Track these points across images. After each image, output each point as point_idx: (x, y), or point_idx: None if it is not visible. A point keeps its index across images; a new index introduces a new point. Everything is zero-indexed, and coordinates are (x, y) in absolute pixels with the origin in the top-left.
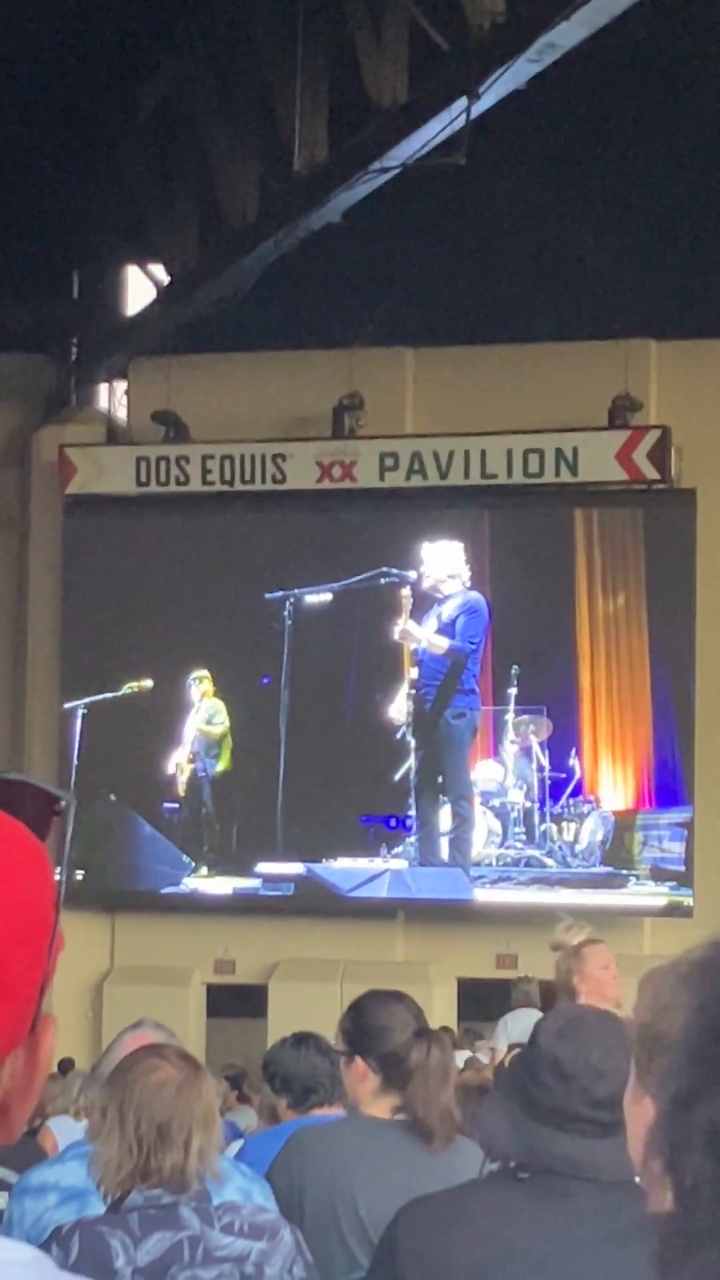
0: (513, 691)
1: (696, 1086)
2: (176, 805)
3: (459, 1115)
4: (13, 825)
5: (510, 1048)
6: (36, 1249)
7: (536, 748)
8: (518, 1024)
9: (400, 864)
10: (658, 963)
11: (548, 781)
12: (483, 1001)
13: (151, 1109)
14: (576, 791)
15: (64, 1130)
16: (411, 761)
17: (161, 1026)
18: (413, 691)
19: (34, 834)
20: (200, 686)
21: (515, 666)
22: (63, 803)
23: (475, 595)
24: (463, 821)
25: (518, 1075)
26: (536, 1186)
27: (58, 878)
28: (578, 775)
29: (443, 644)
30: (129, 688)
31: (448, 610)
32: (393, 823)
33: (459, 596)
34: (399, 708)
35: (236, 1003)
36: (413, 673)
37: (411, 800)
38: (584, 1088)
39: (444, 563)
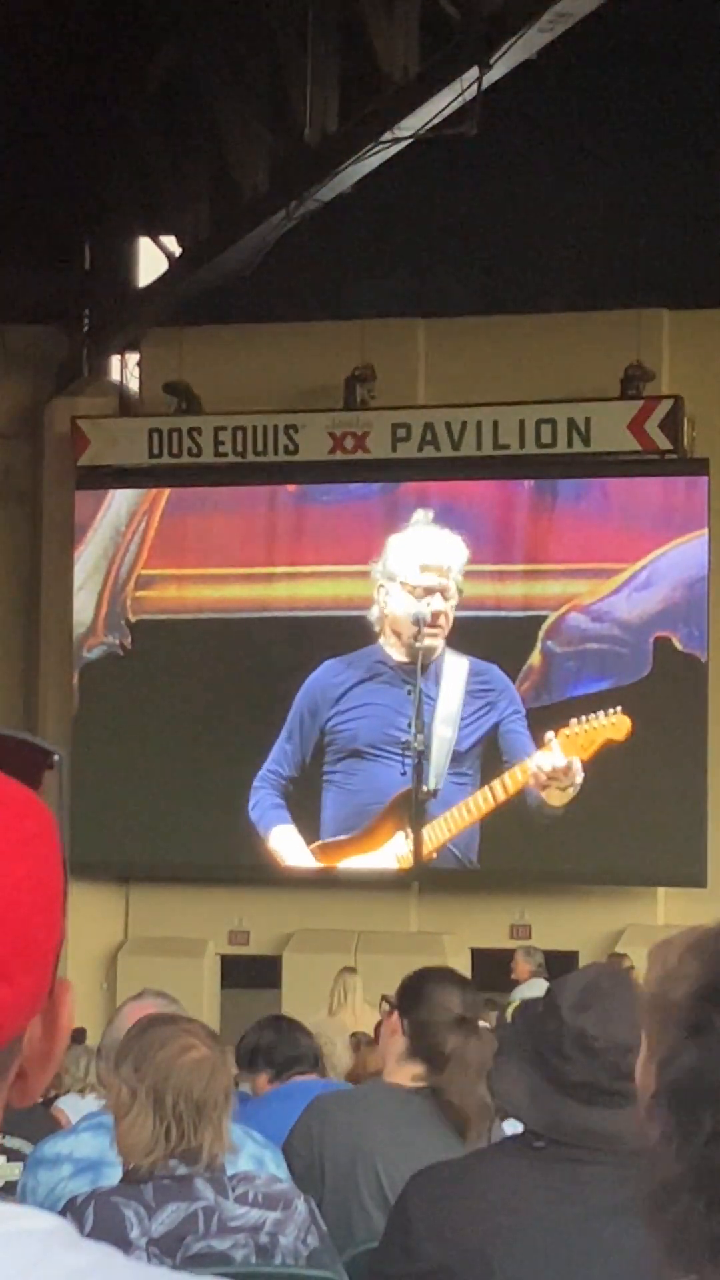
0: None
1: (676, 1047)
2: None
3: (493, 1106)
4: (21, 792)
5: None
6: (59, 1217)
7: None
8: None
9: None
10: (670, 932)
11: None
12: (497, 972)
13: (190, 1089)
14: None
15: (72, 1108)
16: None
17: (164, 995)
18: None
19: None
20: None
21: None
22: (55, 757)
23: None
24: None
25: (537, 1046)
26: (551, 1155)
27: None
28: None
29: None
30: None
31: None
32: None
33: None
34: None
35: (251, 973)
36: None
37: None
38: (612, 1062)
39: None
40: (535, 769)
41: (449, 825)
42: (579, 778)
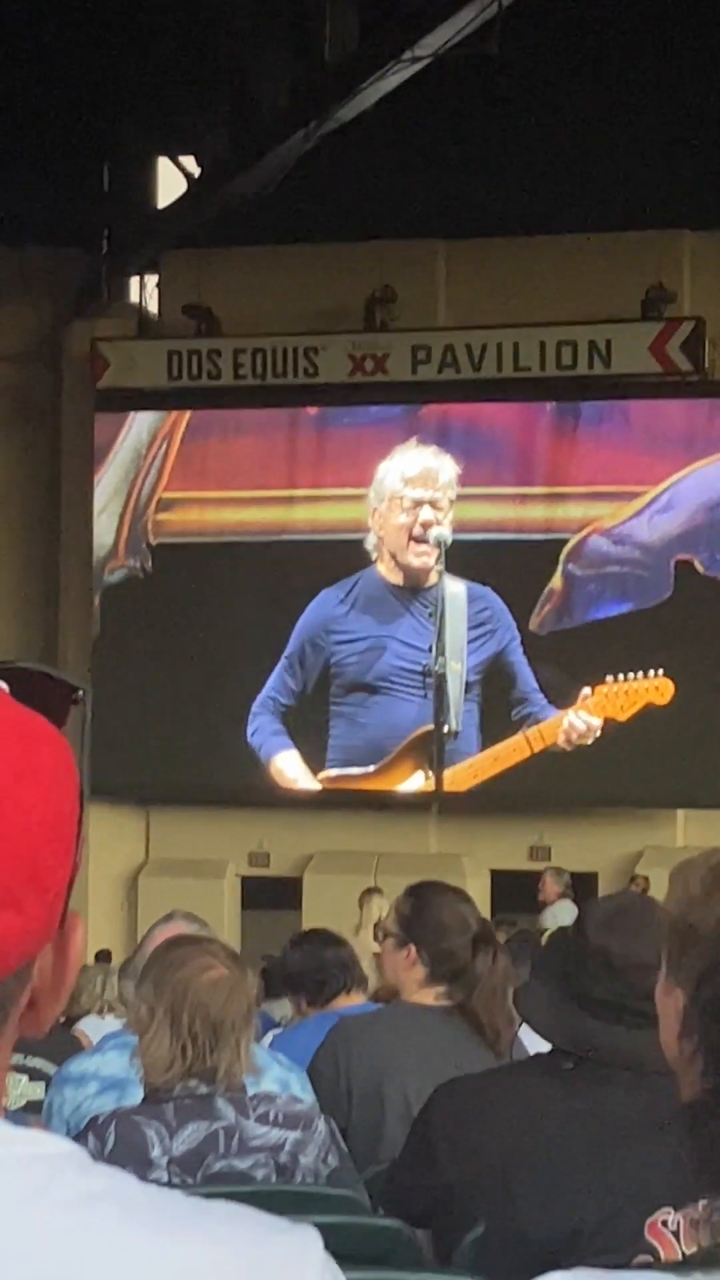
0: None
1: (711, 966)
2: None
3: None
4: (37, 723)
5: (542, 933)
6: (72, 1142)
7: None
8: (569, 916)
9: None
10: (690, 854)
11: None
12: (516, 894)
13: (207, 1008)
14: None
15: (93, 1029)
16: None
17: (194, 918)
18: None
19: (53, 724)
20: None
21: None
22: (80, 692)
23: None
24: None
25: (563, 966)
26: (576, 1075)
27: (80, 770)
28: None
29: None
30: None
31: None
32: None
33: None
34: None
35: (271, 895)
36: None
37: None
38: (636, 982)
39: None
40: (568, 726)
41: (475, 771)
42: (598, 732)
